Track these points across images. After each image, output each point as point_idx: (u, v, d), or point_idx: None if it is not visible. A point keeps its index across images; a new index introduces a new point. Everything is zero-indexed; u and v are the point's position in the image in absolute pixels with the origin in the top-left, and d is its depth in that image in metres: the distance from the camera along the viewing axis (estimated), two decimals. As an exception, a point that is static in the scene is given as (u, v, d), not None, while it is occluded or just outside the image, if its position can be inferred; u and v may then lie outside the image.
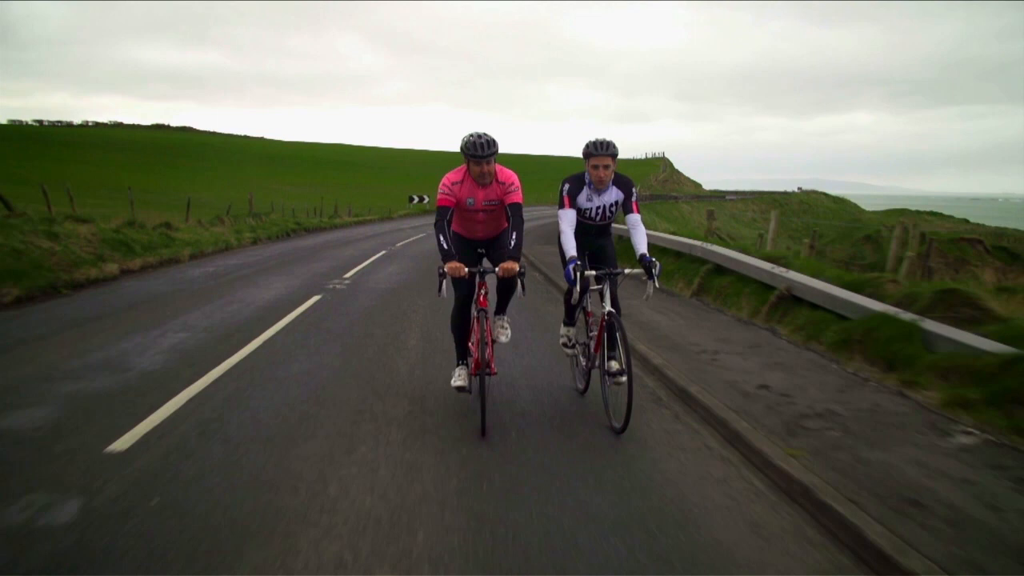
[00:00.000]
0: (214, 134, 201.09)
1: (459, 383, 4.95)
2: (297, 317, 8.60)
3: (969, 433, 4.33)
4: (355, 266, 14.58)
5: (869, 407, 4.85)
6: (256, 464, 4.03)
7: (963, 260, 14.90)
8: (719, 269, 10.01)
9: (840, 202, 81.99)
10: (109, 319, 8.36)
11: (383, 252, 18.07)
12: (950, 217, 74.95)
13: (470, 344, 4.92)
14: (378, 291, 11.02)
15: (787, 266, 8.38)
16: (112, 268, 11.89)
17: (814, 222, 36.38)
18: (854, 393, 5.20)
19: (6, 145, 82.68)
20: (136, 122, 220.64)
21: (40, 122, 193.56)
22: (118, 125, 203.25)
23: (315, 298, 10.07)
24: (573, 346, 5.52)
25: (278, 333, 7.63)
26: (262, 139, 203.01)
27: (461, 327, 5.01)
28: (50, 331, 7.64)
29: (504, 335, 5.32)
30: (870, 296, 6.76)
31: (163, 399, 5.19)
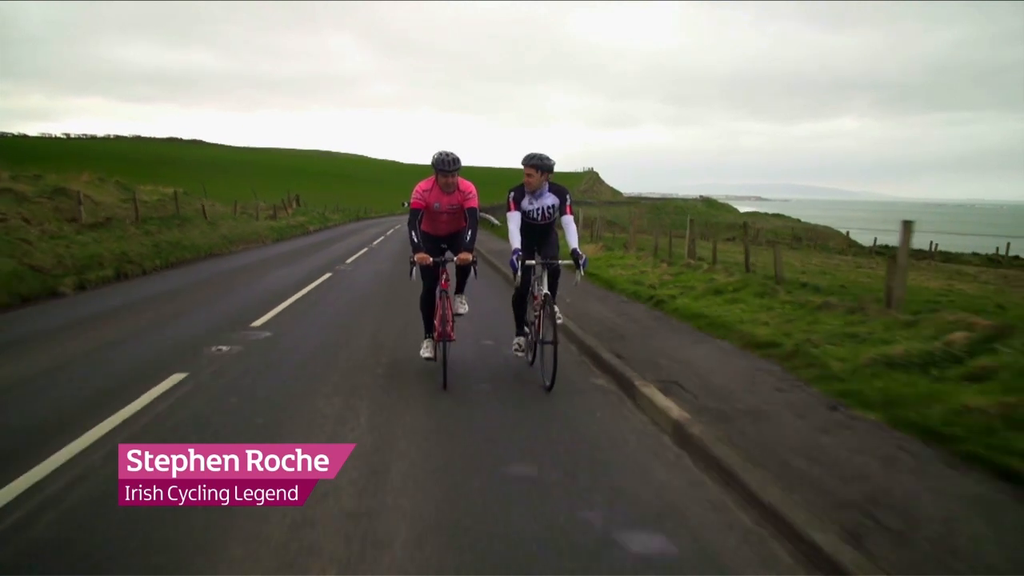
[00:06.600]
0: (222, 146, 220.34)
1: (427, 354, 6.09)
2: (391, 233, 37.21)
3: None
4: (393, 226, 43.36)
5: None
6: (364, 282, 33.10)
7: (616, 225, 43.62)
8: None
9: (714, 206, 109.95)
10: (343, 236, 36.57)
11: (399, 225, 46.70)
12: (787, 217, 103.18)
13: (435, 321, 5.93)
14: (405, 230, 39.86)
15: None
16: (331, 224, 40.78)
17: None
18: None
19: (134, 165, 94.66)
20: (150, 134, 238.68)
21: (67, 135, 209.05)
22: (137, 137, 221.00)
23: (390, 231, 38.74)
24: (524, 352, 6.26)
25: (386, 237, 36.02)
26: (266, 149, 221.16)
27: (428, 308, 6.04)
28: (316, 242, 36.05)
29: (463, 308, 6.42)
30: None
31: (361, 241, 34.08)
